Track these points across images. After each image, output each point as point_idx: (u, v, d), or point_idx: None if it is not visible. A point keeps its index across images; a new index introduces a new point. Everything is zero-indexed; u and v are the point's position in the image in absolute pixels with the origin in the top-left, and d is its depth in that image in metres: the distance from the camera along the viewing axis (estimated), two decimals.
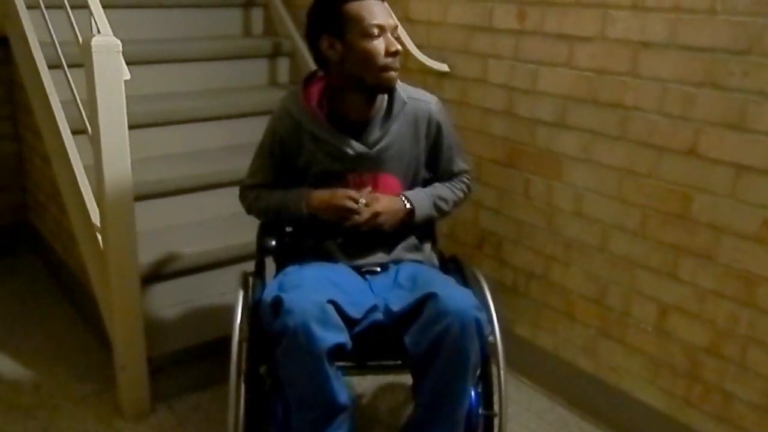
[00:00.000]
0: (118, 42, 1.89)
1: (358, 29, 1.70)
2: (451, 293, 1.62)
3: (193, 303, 2.49)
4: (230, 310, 1.77)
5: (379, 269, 1.84)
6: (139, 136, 2.32)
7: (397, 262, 1.86)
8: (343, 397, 1.62)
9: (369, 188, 1.80)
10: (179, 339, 2.33)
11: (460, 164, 1.98)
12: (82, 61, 1.93)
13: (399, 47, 1.72)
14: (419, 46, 2.57)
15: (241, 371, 1.71)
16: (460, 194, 1.97)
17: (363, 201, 1.76)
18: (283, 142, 1.84)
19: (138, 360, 2.17)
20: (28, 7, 2.52)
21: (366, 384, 2.38)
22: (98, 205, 2.16)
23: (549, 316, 2.36)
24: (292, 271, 1.78)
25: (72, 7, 2.08)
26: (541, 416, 2.28)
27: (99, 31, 1.90)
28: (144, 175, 2.42)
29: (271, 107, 1.93)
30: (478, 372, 1.70)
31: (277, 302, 1.59)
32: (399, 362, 1.76)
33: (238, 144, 2.89)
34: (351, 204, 1.75)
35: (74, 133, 2.38)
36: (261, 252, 1.95)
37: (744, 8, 1.72)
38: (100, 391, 2.32)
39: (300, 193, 1.83)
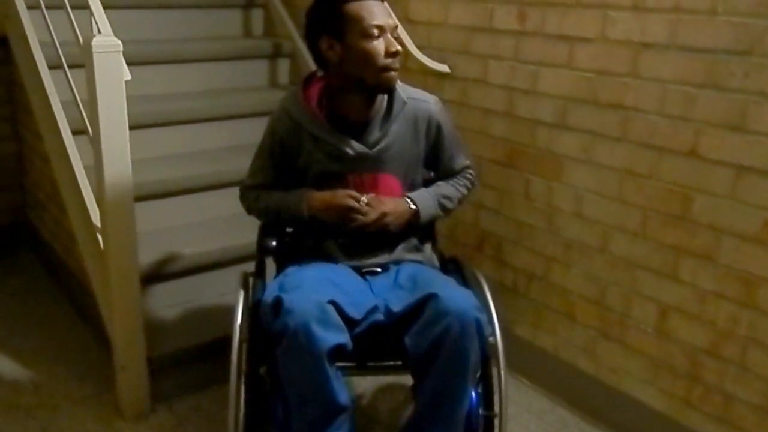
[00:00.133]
0: (119, 42, 1.89)
1: (357, 30, 1.70)
2: (452, 294, 1.62)
3: (193, 303, 2.49)
4: (230, 311, 1.77)
5: (379, 270, 1.84)
6: (140, 137, 2.32)
7: (398, 262, 1.86)
8: (343, 397, 1.62)
9: (372, 195, 1.80)
10: (179, 339, 2.33)
11: (462, 161, 1.98)
12: (82, 61, 1.93)
13: (399, 48, 1.72)
14: (420, 47, 2.58)
15: (241, 372, 1.71)
16: (464, 190, 1.98)
17: (364, 200, 1.76)
18: (282, 142, 1.84)
19: (138, 360, 2.16)
20: (29, 8, 2.52)
21: (366, 384, 2.38)
22: (98, 205, 2.16)
23: (549, 316, 2.36)
24: (293, 272, 1.78)
25: (72, 8, 2.08)
26: (541, 417, 2.28)
27: (99, 32, 1.90)
28: (144, 175, 2.42)
29: (271, 108, 1.93)
30: (479, 372, 1.70)
31: (278, 302, 1.59)
32: (399, 363, 1.75)
33: (238, 144, 2.89)
34: (353, 203, 1.75)
35: (74, 133, 2.37)
36: (261, 252, 1.95)
37: (745, 9, 1.72)
38: (100, 391, 2.32)
39: (300, 194, 1.83)
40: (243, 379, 1.70)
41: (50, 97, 2.42)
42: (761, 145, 1.74)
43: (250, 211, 1.97)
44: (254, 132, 2.14)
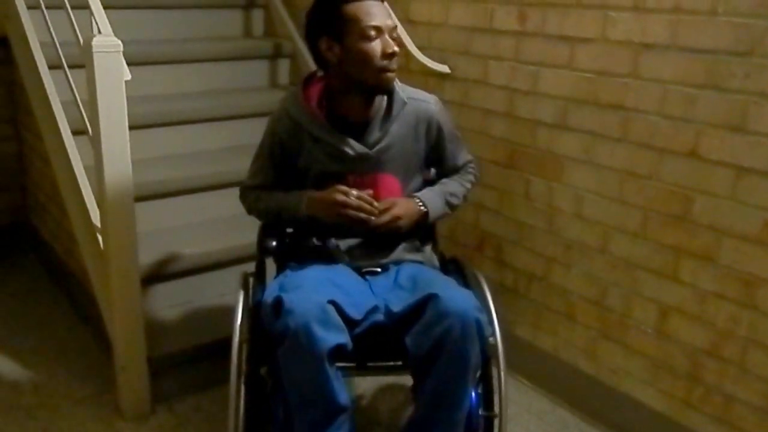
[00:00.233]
0: (119, 42, 1.89)
1: (355, 31, 1.70)
2: (452, 294, 1.62)
3: (194, 304, 2.49)
4: (231, 311, 1.77)
5: (379, 270, 1.84)
6: (140, 137, 2.32)
7: (398, 262, 1.86)
8: (343, 397, 1.62)
9: (370, 191, 1.79)
10: (179, 340, 2.33)
11: (464, 156, 1.99)
12: (82, 61, 1.93)
13: (396, 49, 1.71)
14: (420, 48, 2.58)
15: (241, 372, 1.71)
16: (468, 185, 1.99)
17: (355, 193, 1.74)
18: (282, 142, 1.84)
19: (138, 361, 2.16)
20: (29, 8, 2.52)
21: (366, 385, 2.38)
22: (99, 205, 2.16)
23: (549, 317, 2.36)
24: (293, 272, 1.78)
25: (72, 8, 2.08)
26: (541, 417, 2.28)
27: (100, 32, 1.90)
28: (144, 175, 2.42)
29: (272, 108, 1.93)
30: (479, 373, 1.70)
31: (278, 303, 1.59)
32: (399, 363, 1.75)
33: (238, 145, 2.89)
34: (341, 197, 1.73)
35: (74, 133, 2.37)
36: (261, 253, 1.95)
37: (746, 10, 1.72)
38: (101, 391, 2.32)
39: (300, 195, 1.82)
40: (243, 380, 1.70)
41: (50, 97, 2.42)
42: (761, 146, 1.74)
43: (250, 211, 1.97)
44: (254, 132, 2.14)
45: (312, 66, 1.96)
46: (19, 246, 3.26)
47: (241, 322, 1.74)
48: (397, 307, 1.67)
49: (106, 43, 1.87)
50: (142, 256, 2.18)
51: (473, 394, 1.72)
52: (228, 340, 1.73)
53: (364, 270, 1.83)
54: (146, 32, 2.98)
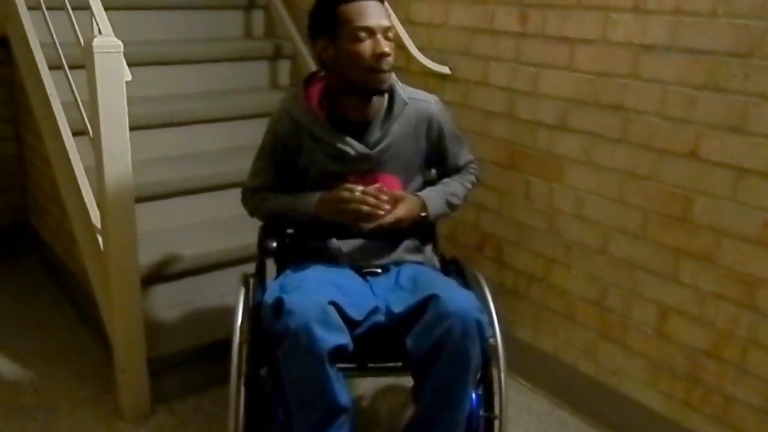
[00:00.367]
0: (120, 43, 1.89)
1: (346, 31, 1.70)
2: (453, 295, 1.62)
3: (194, 304, 2.49)
4: (231, 312, 1.77)
5: (379, 271, 1.84)
6: (140, 138, 2.32)
7: (398, 263, 1.85)
8: (343, 398, 1.62)
9: (378, 184, 1.79)
10: (179, 340, 2.32)
11: (465, 156, 2.00)
12: (82, 62, 1.93)
13: (386, 49, 1.69)
14: (421, 49, 2.58)
15: (241, 373, 1.71)
16: (469, 185, 2.00)
17: (360, 188, 1.73)
18: (283, 142, 1.84)
19: (138, 361, 2.16)
20: (29, 8, 2.52)
21: (366, 386, 2.38)
22: (99, 206, 2.16)
23: (549, 318, 2.36)
24: (293, 273, 1.78)
25: (73, 8, 2.08)
26: (541, 419, 2.28)
27: (100, 32, 1.90)
28: (145, 176, 2.42)
29: (272, 109, 1.92)
30: (479, 374, 1.70)
31: (279, 303, 1.59)
32: (399, 364, 1.75)
33: (238, 146, 2.89)
34: (347, 194, 1.73)
35: (75, 134, 2.37)
36: (262, 253, 1.95)
37: (746, 11, 1.72)
38: (100, 392, 2.32)
39: (308, 197, 1.81)
40: (243, 380, 1.70)
41: (50, 97, 2.42)
42: (761, 147, 1.74)
43: (253, 213, 1.96)
44: (255, 133, 2.14)
45: (312, 67, 1.96)
46: (19, 246, 3.26)
47: (242, 323, 1.74)
48: (397, 307, 1.67)
49: (107, 44, 1.87)
50: (142, 257, 2.18)
51: (473, 395, 1.72)
52: (228, 341, 1.73)
53: (365, 271, 1.83)
54: (147, 33, 2.99)
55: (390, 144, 1.82)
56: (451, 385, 1.62)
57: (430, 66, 2.54)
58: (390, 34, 1.73)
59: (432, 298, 1.60)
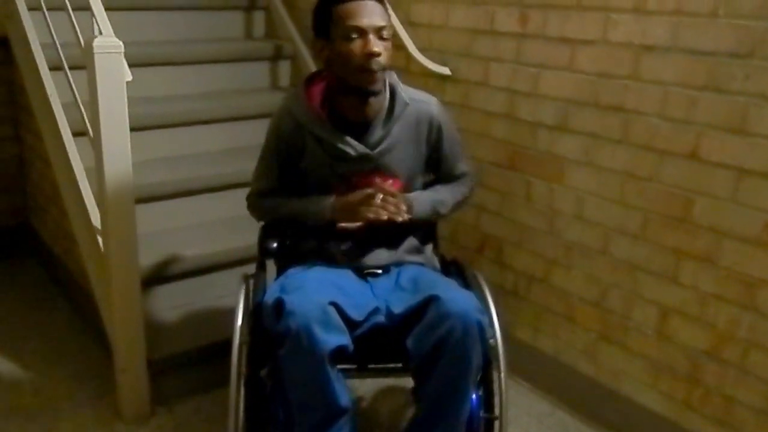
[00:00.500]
0: (120, 43, 1.89)
1: (339, 31, 1.70)
2: (454, 296, 1.62)
3: (194, 305, 2.49)
4: (231, 313, 1.77)
5: (380, 271, 1.84)
6: (141, 138, 2.32)
7: (399, 264, 1.85)
8: (344, 399, 1.62)
9: (390, 181, 1.79)
10: (180, 341, 2.32)
11: (462, 167, 1.97)
12: (83, 62, 1.93)
13: (375, 49, 1.67)
14: (421, 50, 2.58)
15: (241, 374, 1.71)
16: (460, 197, 1.97)
17: (380, 195, 1.74)
18: (286, 141, 1.83)
19: (138, 362, 2.16)
20: (30, 9, 2.52)
21: (366, 387, 2.38)
22: (99, 207, 2.16)
23: (550, 319, 2.36)
24: (294, 273, 1.78)
25: (74, 9, 2.08)
26: (541, 420, 2.28)
27: (101, 33, 1.90)
28: (145, 177, 2.42)
29: (272, 110, 1.92)
30: (480, 375, 1.70)
31: (279, 304, 1.58)
32: (400, 365, 1.75)
33: (239, 147, 2.89)
34: (367, 199, 1.74)
35: (75, 135, 2.37)
36: (262, 254, 1.94)
37: (747, 11, 1.72)
38: (100, 393, 2.32)
39: (323, 201, 1.80)
40: (243, 381, 1.70)
41: (51, 98, 2.42)
42: (762, 148, 1.74)
43: (262, 218, 1.95)
44: (255, 134, 2.14)
45: (313, 67, 1.96)
46: (19, 248, 3.26)
47: (242, 324, 1.74)
48: (398, 308, 1.67)
49: (108, 44, 1.87)
50: (142, 258, 2.18)
51: (474, 395, 1.72)
52: (228, 342, 1.73)
53: (365, 271, 1.83)
54: (147, 34, 2.98)
55: (391, 144, 1.82)
56: (452, 386, 1.62)
57: (430, 67, 2.54)
58: (385, 34, 1.70)
59: (433, 299, 1.60)
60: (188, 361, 2.30)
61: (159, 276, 2.39)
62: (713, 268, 1.88)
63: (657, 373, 2.07)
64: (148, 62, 2.81)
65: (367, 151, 1.80)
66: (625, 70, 1.99)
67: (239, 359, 1.71)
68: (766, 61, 1.70)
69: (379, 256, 1.85)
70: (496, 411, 1.74)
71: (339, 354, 1.57)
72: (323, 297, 1.58)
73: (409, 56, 2.58)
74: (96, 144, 1.98)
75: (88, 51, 1.87)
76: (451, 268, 1.96)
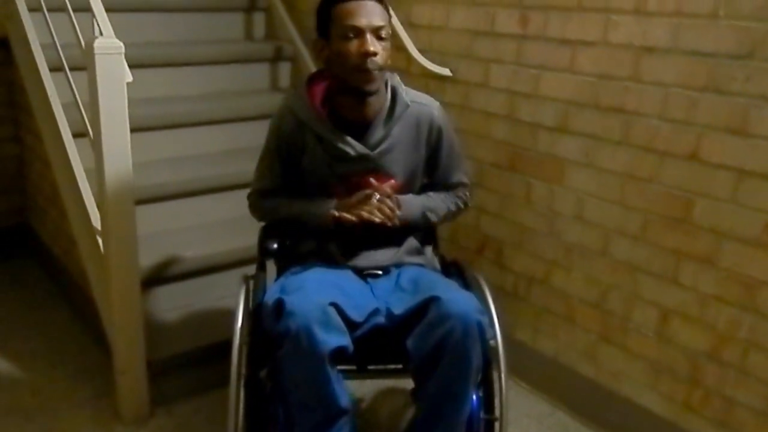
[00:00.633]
0: (121, 44, 1.89)
1: (337, 30, 1.70)
2: (454, 297, 1.62)
3: (194, 306, 2.49)
4: (231, 314, 1.76)
5: (380, 272, 1.83)
6: (141, 139, 2.32)
7: (399, 265, 1.85)
8: (344, 400, 1.61)
9: (392, 181, 1.79)
10: (179, 342, 2.32)
11: (458, 176, 1.95)
12: (83, 63, 1.93)
13: (371, 48, 1.66)
14: (421, 51, 2.58)
15: (241, 375, 1.70)
16: (453, 208, 1.95)
17: (377, 196, 1.75)
18: (287, 140, 1.83)
19: (138, 364, 2.16)
20: (30, 10, 2.52)
21: (365, 389, 2.37)
22: (99, 208, 2.16)
23: (549, 320, 2.36)
24: (294, 274, 1.78)
25: (74, 10, 2.09)
26: (541, 421, 2.28)
27: (101, 34, 1.90)
28: (145, 178, 2.42)
29: (273, 111, 1.91)
30: (480, 376, 1.69)
31: (279, 305, 1.58)
32: (400, 366, 1.75)
33: (239, 147, 2.89)
34: (365, 199, 1.74)
35: (75, 135, 2.37)
36: (262, 255, 1.94)
37: (747, 13, 1.72)
38: (99, 394, 2.32)
39: (326, 203, 1.80)
40: (243, 382, 1.70)
41: (51, 99, 2.42)
42: (762, 149, 1.74)
43: (263, 218, 1.95)
44: (255, 135, 2.14)
45: (313, 69, 1.96)
46: (19, 248, 3.26)
47: (242, 325, 1.74)
48: (398, 309, 1.67)
49: (108, 45, 1.87)
50: (142, 259, 2.18)
51: (474, 396, 1.72)
52: (228, 343, 1.73)
53: (365, 272, 1.83)
54: (148, 35, 2.99)
55: (391, 145, 1.81)
56: (452, 387, 1.62)
57: (430, 68, 2.54)
58: (383, 34, 1.70)
59: (433, 300, 1.60)
60: (188, 362, 2.30)
61: (159, 277, 2.38)
62: (713, 269, 1.88)
63: (657, 374, 2.07)
64: (149, 63, 2.81)
65: (367, 151, 1.79)
66: (626, 71, 1.99)
67: (239, 360, 1.71)
68: (767, 62, 1.70)
69: (380, 257, 1.85)
70: (497, 412, 1.74)
71: (339, 355, 1.57)
72: (323, 298, 1.58)
73: (409, 57, 2.58)
74: (96, 145, 1.98)
75: (89, 52, 1.87)
76: (452, 269, 1.95)
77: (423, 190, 1.93)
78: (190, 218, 2.64)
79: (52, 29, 2.27)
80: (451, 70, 2.52)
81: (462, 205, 1.98)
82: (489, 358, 1.69)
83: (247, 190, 1.97)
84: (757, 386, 1.83)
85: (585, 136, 2.13)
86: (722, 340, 1.89)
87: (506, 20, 2.30)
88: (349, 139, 1.79)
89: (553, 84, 2.19)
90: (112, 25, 1.93)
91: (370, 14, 1.68)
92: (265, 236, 1.97)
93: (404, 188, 1.87)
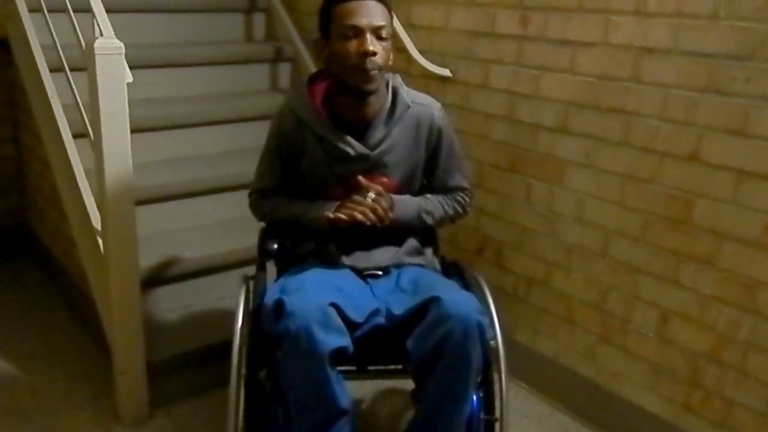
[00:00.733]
0: (121, 44, 1.89)
1: (336, 30, 1.70)
2: (454, 297, 1.62)
3: (194, 307, 2.48)
4: (231, 315, 1.76)
5: (380, 273, 1.83)
6: (141, 140, 2.32)
7: (399, 266, 1.85)
8: (344, 401, 1.61)
9: (383, 179, 1.79)
10: (179, 343, 2.32)
11: (458, 179, 1.94)
12: (83, 64, 1.93)
13: (370, 48, 1.66)
14: (422, 52, 2.58)
15: (241, 375, 1.70)
16: (450, 211, 1.93)
17: (371, 195, 1.74)
18: (287, 139, 1.83)
19: (137, 365, 2.16)
20: (30, 10, 2.52)
21: (365, 390, 2.37)
22: (99, 209, 2.16)
23: (549, 321, 2.36)
24: (294, 275, 1.77)
25: (74, 11, 2.09)
26: (541, 422, 2.28)
27: (102, 34, 1.90)
28: (145, 179, 2.42)
29: (272, 112, 1.92)
30: (480, 377, 1.69)
31: (279, 305, 1.58)
32: (400, 366, 1.75)
33: (239, 148, 2.89)
34: (359, 199, 1.74)
35: (75, 136, 2.37)
36: (262, 255, 1.94)
37: (747, 13, 1.72)
38: (99, 396, 2.31)
39: (324, 206, 1.80)
40: (243, 383, 1.70)
41: (51, 99, 2.42)
42: (762, 150, 1.74)
43: (263, 218, 1.95)
44: (255, 136, 2.14)
45: (313, 69, 1.96)
46: (18, 249, 3.25)
47: (241, 325, 1.74)
48: (398, 310, 1.67)
49: (108, 45, 1.87)
50: (142, 260, 2.18)
51: (474, 397, 1.72)
52: (227, 344, 1.73)
53: (365, 273, 1.83)
54: (148, 36, 2.99)
55: (390, 146, 1.81)
56: (452, 388, 1.61)
57: (430, 69, 2.54)
58: (383, 34, 1.69)
59: (433, 301, 1.60)
60: (187, 363, 2.30)
61: (158, 277, 2.38)
62: (713, 270, 1.88)
63: (657, 376, 2.06)
64: (149, 64, 2.81)
65: (367, 151, 1.79)
66: (626, 72, 1.99)
67: (239, 360, 1.71)
68: (767, 63, 1.70)
69: (379, 257, 1.84)
70: (497, 413, 1.74)
71: (339, 355, 1.57)
72: (323, 298, 1.58)
73: (409, 58, 2.58)
74: (96, 145, 1.97)
75: (89, 52, 1.87)
76: (452, 269, 1.95)
77: (422, 192, 1.92)
78: (190, 219, 2.64)
79: (53, 30, 2.27)
80: (451, 71, 2.52)
81: (460, 210, 1.96)
82: (489, 359, 1.69)
83: (247, 191, 1.97)
84: (758, 387, 1.83)
85: (585, 136, 2.13)
86: (722, 341, 1.89)
87: (506, 21, 2.30)
88: (349, 139, 1.78)
89: (553, 85, 2.19)
90: (112, 25, 1.93)
91: (370, 14, 1.68)
92: (264, 237, 1.97)
93: (402, 189, 1.87)
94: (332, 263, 1.82)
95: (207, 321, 2.43)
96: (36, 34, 2.51)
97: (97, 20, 1.92)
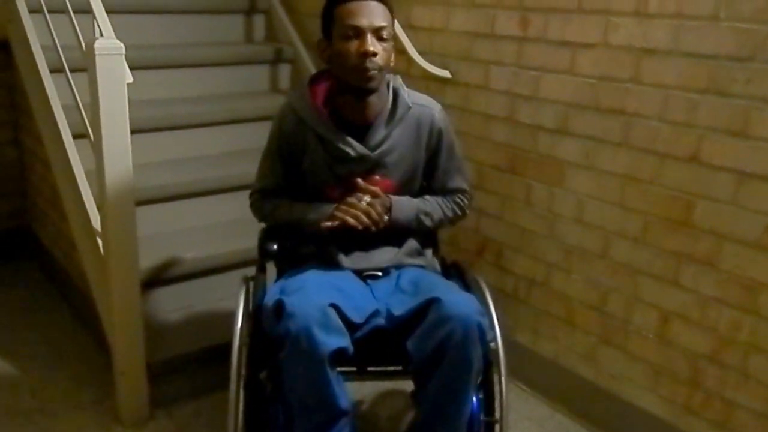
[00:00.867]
0: (122, 45, 1.89)
1: (338, 30, 1.71)
2: (455, 298, 1.62)
3: (194, 308, 2.48)
4: (231, 316, 1.76)
5: (380, 274, 1.83)
6: (141, 141, 2.32)
7: (399, 266, 1.85)
8: (344, 402, 1.61)
9: (376, 177, 1.79)
10: (179, 344, 2.32)
11: (458, 181, 1.94)
12: (83, 65, 1.93)
13: (370, 48, 1.66)
14: (422, 53, 2.58)
15: (241, 376, 1.70)
16: (450, 213, 1.93)
17: (366, 199, 1.75)
18: (288, 139, 1.83)
19: (138, 365, 2.16)
20: (31, 11, 2.52)
21: (365, 391, 2.37)
22: (99, 209, 2.16)
23: (550, 323, 2.36)
24: (294, 275, 1.77)
25: (75, 12, 2.09)
26: (541, 424, 2.27)
27: (102, 35, 1.90)
28: (145, 179, 2.42)
29: (273, 113, 1.92)
30: (480, 378, 1.69)
31: (279, 306, 1.58)
32: (400, 368, 1.75)
33: (239, 149, 2.89)
34: (352, 200, 1.75)
35: (75, 137, 2.37)
36: (262, 256, 1.94)
37: (748, 14, 1.72)
38: (99, 397, 2.31)
39: (323, 208, 1.80)
40: (243, 384, 1.70)
41: (51, 100, 2.42)
42: (763, 151, 1.74)
43: (264, 219, 1.95)
44: (255, 137, 2.14)
45: (313, 70, 1.96)
46: (19, 251, 3.25)
47: (242, 326, 1.74)
48: (398, 311, 1.67)
49: (108, 46, 1.87)
50: (142, 260, 2.18)
51: (474, 398, 1.72)
52: (228, 345, 1.73)
53: (366, 274, 1.83)
54: (148, 36, 2.99)
55: (391, 147, 1.81)
56: (452, 389, 1.61)
57: (430, 70, 2.54)
58: (384, 35, 1.70)
59: (433, 302, 1.60)
60: (188, 364, 2.30)
61: (159, 278, 2.38)
62: (714, 272, 1.88)
63: (657, 377, 2.06)
64: (149, 65, 2.81)
65: (367, 152, 1.79)
66: (626, 73, 1.99)
67: (239, 361, 1.71)
68: (767, 64, 1.70)
69: (380, 258, 1.84)
70: (497, 414, 1.74)
71: (339, 356, 1.56)
72: (323, 299, 1.57)
73: (409, 59, 2.58)
74: (96, 146, 1.97)
75: (89, 53, 1.87)
76: (452, 271, 1.95)
77: (422, 193, 1.92)
78: (191, 220, 2.64)
79: (53, 30, 2.27)
80: (451, 72, 2.52)
81: (459, 212, 1.96)
82: (489, 360, 1.69)
83: (247, 192, 1.97)
84: (758, 389, 1.83)
85: (585, 137, 2.13)
86: (723, 343, 1.89)
87: (506, 22, 2.30)
88: (349, 139, 1.78)
89: (553, 86, 2.19)
90: (112, 26, 1.93)
91: (371, 14, 1.68)
92: (265, 238, 1.97)
93: (402, 190, 1.87)
94: (332, 264, 1.82)
95: (208, 322, 2.43)
96: (36, 35, 2.51)
97: (97, 21, 1.92)
